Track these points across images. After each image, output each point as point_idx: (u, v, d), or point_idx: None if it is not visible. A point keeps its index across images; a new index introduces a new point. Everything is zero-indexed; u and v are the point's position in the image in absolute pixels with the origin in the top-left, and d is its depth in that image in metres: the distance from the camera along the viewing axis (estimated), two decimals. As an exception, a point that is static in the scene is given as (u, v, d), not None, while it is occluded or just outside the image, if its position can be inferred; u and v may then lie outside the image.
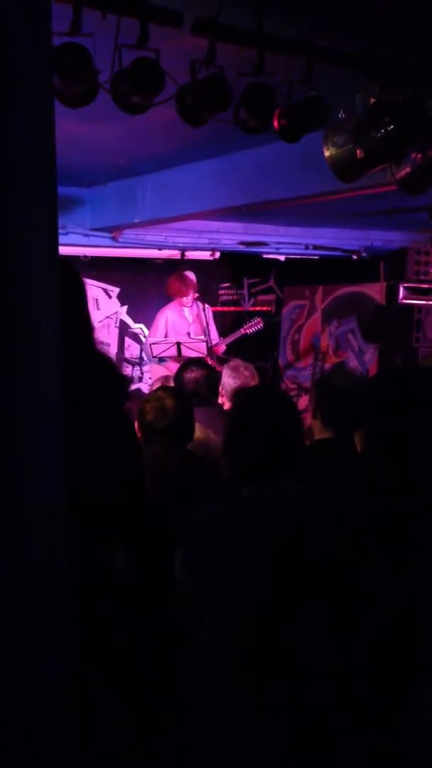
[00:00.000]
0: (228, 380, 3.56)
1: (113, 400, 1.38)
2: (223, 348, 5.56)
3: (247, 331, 5.62)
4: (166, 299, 6.57)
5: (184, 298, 5.53)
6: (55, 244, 0.94)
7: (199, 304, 5.69)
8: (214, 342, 5.62)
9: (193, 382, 3.04)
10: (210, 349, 5.46)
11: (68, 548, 0.94)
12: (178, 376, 3.13)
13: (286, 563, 1.39)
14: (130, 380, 6.18)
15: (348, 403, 2.24)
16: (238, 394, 1.76)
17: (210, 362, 4.98)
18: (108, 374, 1.39)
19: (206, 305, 5.84)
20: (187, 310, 5.60)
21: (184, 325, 5.64)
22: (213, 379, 3.13)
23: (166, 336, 5.56)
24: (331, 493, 1.59)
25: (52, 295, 0.92)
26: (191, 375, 3.07)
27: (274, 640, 1.36)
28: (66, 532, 0.93)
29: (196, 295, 5.65)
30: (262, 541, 1.41)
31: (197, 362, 3.30)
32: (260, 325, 5.65)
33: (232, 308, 6.93)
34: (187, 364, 3.25)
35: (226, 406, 3.35)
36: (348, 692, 1.32)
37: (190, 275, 5.62)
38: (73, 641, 0.96)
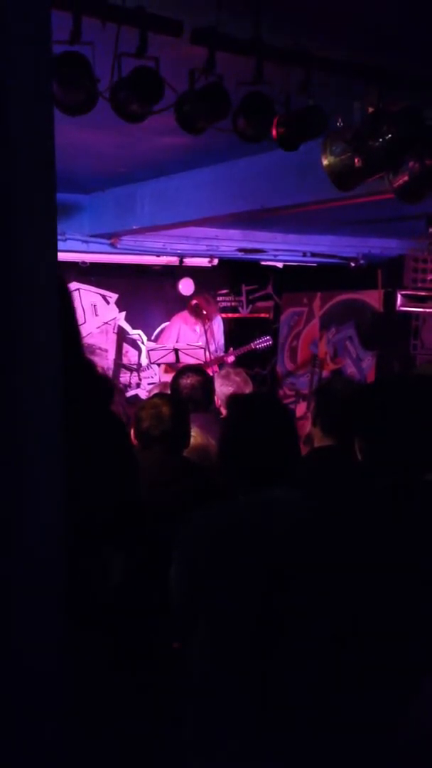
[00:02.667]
0: (221, 388, 3.56)
1: (102, 406, 1.38)
2: (232, 359, 5.67)
3: (257, 347, 5.76)
4: (164, 305, 6.59)
5: (199, 317, 5.68)
6: (54, 251, 0.95)
7: (216, 317, 5.85)
8: (222, 353, 5.76)
9: (188, 388, 3.05)
10: (219, 358, 5.58)
11: (66, 556, 0.93)
12: (174, 382, 3.15)
13: (281, 568, 1.39)
14: (119, 386, 6.23)
15: (348, 410, 2.24)
16: (232, 401, 1.77)
17: (214, 371, 5.06)
18: (96, 380, 1.39)
19: (219, 319, 6.01)
20: (198, 325, 5.71)
21: (194, 337, 5.73)
22: (208, 385, 3.15)
23: (177, 341, 5.69)
24: (332, 499, 1.59)
25: (51, 302, 0.93)
26: (187, 381, 3.08)
27: (271, 644, 1.36)
28: (65, 540, 0.93)
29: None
30: (257, 547, 1.41)
31: (193, 368, 3.32)
32: (269, 343, 5.91)
33: (230, 315, 6.95)
34: (183, 370, 3.27)
35: (224, 413, 3.36)
36: (349, 693, 1.32)
37: (212, 299, 5.81)
38: (70, 649, 0.95)
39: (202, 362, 5.32)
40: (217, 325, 5.95)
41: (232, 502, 1.51)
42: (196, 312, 5.73)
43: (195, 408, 2.99)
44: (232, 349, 5.84)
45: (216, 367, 5.37)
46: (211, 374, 3.84)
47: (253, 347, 5.76)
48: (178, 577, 1.48)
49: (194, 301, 5.73)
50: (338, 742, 1.31)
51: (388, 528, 1.43)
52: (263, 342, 5.81)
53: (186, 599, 1.47)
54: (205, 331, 5.59)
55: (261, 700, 1.36)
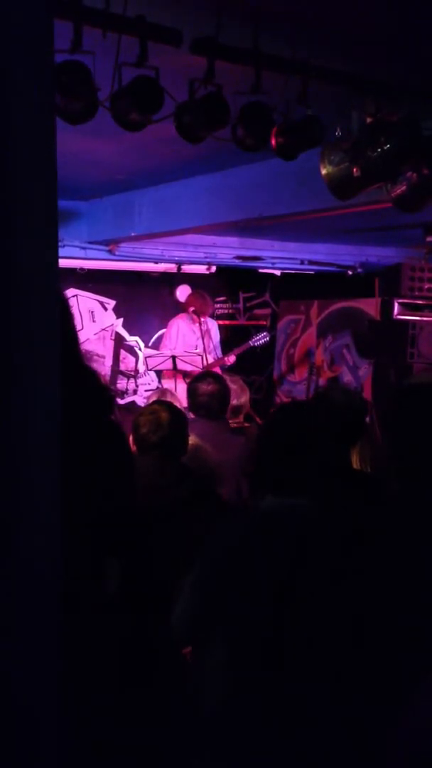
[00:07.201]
0: None
1: (100, 413, 1.38)
2: (233, 359, 5.70)
3: (255, 344, 5.79)
4: (161, 312, 6.59)
5: (195, 315, 5.69)
6: (55, 258, 0.95)
7: (209, 320, 5.85)
8: (219, 353, 5.80)
9: (206, 395, 3.03)
10: (220, 359, 5.60)
11: (64, 564, 0.93)
12: (193, 385, 3.11)
13: (288, 581, 1.40)
14: (118, 393, 6.23)
15: (344, 418, 2.25)
16: (276, 410, 1.79)
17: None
18: (93, 386, 1.39)
19: (214, 321, 6.03)
20: (196, 326, 5.71)
21: (192, 338, 5.74)
22: (226, 395, 3.13)
23: (176, 340, 5.71)
24: (328, 508, 1.60)
25: (51, 309, 0.93)
26: (207, 387, 3.05)
27: (286, 651, 1.37)
28: (62, 548, 0.93)
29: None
30: (270, 558, 1.42)
31: (214, 376, 3.29)
32: (267, 339, 5.98)
33: (227, 322, 6.96)
34: (203, 375, 3.24)
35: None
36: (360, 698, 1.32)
37: (207, 296, 5.79)
38: (68, 656, 0.95)
39: (200, 368, 5.32)
40: (213, 325, 5.98)
41: (249, 511, 1.52)
42: (194, 316, 5.74)
43: (206, 415, 2.99)
44: (234, 348, 5.88)
45: (218, 369, 5.40)
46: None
47: (251, 344, 5.79)
48: (193, 588, 1.49)
49: (192, 308, 5.74)
50: (349, 743, 1.32)
51: (392, 533, 1.44)
52: (261, 338, 5.84)
53: (201, 609, 1.48)
54: (202, 333, 5.60)
55: (275, 706, 1.37)
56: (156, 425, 2.29)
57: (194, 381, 3.13)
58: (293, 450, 1.51)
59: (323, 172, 2.76)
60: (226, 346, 6.04)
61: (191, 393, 3.07)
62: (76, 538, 1.13)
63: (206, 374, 3.31)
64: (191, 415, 3.06)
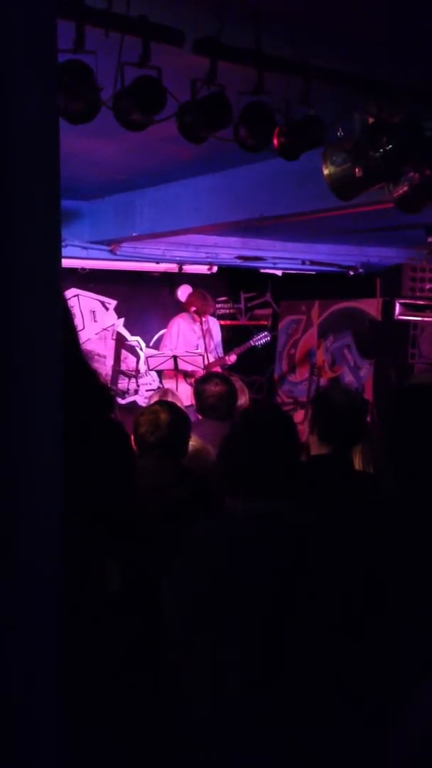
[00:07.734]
0: None
1: (100, 412, 1.38)
2: (233, 359, 5.70)
3: (256, 344, 5.79)
4: (162, 311, 6.60)
5: (196, 315, 5.69)
6: (57, 258, 0.95)
7: (210, 319, 5.85)
8: (221, 352, 5.80)
9: (215, 396, 3.03)
10: (221, 359, 5.59)
11: (64, 564, 0.93)
12: (200, 387, 3.11)
13: (288, 581, 1.39)
14: (119, 392, 6.24)
15: (345, 419, 2.25)
16: (240, 413, 1.79)
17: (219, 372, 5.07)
18: (93, 386, 1.39)
19: (215, 320, 6.03)
20: (197, 325, 5.72)
21: (193, 338, 5.74)
22: (233, 395, 3.13)
23: (177, 340, 5.71)
24: (328, 508, 1.60)
25: (52, 309, 0.93)
26: (215, 389, 3.05)
27: (278, 658, 1.37)
28: (62, 548, 0.93)
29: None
30: (261, 559, 1.42)
31: (221, 377, 3.29)
32: (268, 338, 5.97)
33: (228, 322, 6.97)
34: (210, 376, 3.24)
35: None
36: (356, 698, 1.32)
37: (208, 295, 5.79)
38: (66, 657, 0.95)
39: (202, 367, 5.33)
40: (214, 324, 5.99)
41: (231, 514, 1.51)
42: (195, 315, 5.75)
43: (214, 416, 2.98)
44: (235, 347, 5.89)
45: (218, 369, 5.40)
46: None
47: (252, 344, 5.79)
48: (180, 591, 1.48)
49: (193, 308, 5.74)
50: (349, 743, 1.32)
51: (390, 535, 1.44)
52: (262, 338, 5.85)
53: (189, 612, 1.47)
54: (203, 332, 5.61)
55: (275, 706, 1.37)
56: (154, 426, 2.29)
57: (201, 383, 3.13)
58: (287, 452, 1.51)
59: (325, 172, 2.76)
60: (227, 345, 6.05)
61: (198, 395, 3.07)
62: (77, 538, 1.13)
63: (212, 375, 3.31)
64: (198, 416, 3.06)
